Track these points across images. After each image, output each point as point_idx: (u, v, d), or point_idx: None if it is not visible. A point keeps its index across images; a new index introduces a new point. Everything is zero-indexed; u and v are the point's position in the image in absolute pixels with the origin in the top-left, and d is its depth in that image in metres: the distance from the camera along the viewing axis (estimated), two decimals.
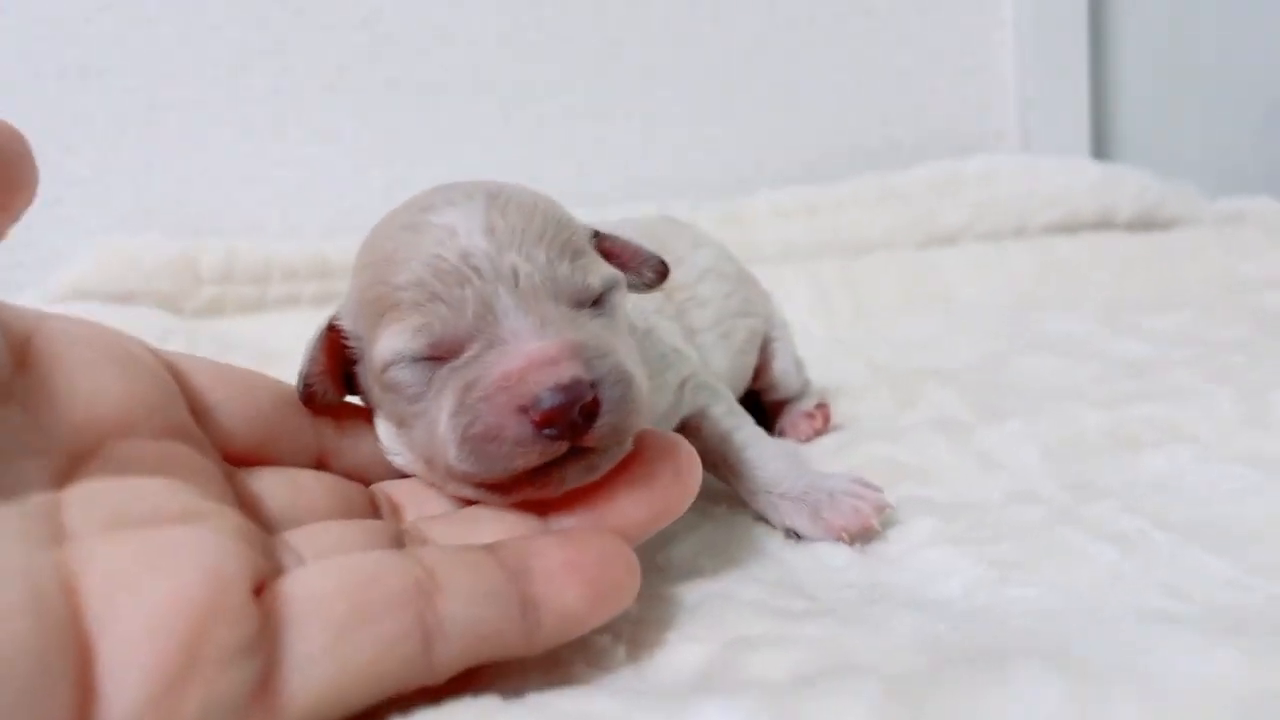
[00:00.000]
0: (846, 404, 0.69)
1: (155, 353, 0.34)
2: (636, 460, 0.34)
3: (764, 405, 0.66)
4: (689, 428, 0.49)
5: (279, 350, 1.07)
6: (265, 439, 0.35)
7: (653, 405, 0.46)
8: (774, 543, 0.45)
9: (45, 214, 1.23)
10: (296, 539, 0.31)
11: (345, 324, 0.38)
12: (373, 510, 0.37)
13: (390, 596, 0.26)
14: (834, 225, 1.12)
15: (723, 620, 0.35)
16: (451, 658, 0.27)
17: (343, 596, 0.25)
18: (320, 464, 0.37)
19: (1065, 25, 1.20)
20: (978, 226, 1.10)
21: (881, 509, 0.43)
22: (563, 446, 0.31)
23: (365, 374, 0.38)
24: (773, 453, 0.47)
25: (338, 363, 0.38)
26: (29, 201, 0.29)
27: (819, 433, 0.61)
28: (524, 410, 0.30)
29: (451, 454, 0.32)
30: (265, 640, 0.24)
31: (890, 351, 0.87)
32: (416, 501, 0.37)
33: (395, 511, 0.37)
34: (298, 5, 1.24)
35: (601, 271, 0.36)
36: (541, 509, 0.34)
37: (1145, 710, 0.21)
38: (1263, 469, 0.46)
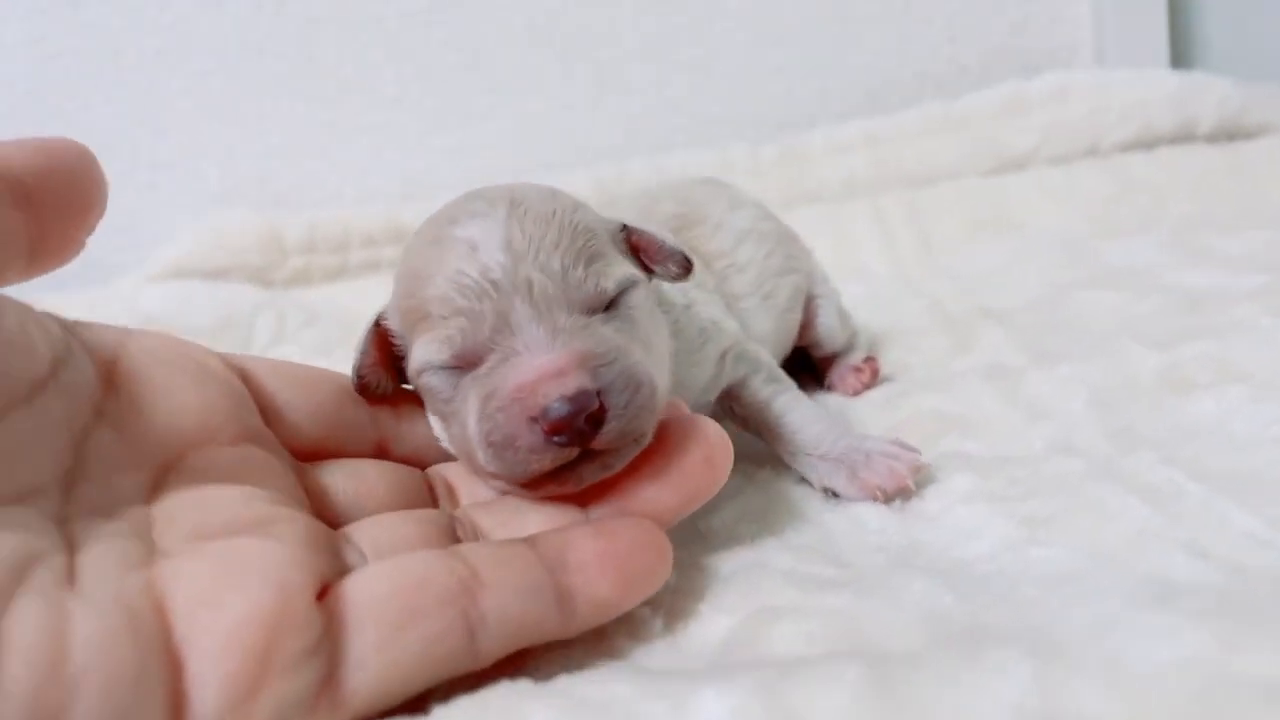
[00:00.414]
0: (899, 351, 0.70)
1: (226, 360, 0.37)
2: (668, 448, 0.36)
3: (813, 360, 0.67)
4: (730, 395, 0.51)
5: (364, 315, 1.13)
6: (329, 432, 0.39)
7: (692, 379, 0.49)
8: (813, 505, 0.47)
9: (141, 198, 1.31)
10: (359, 533, 0.34)
11: (390, 323, 0.41)
12: (429, 495, 0.40)
13: (438, 596, 0.29)
14: (897, 157, 1.11)
15: (755, 590, 0.37)
16: (494, 646, 0.30)
17: (395, 598, 0.29)
18: (380, 451, 0.41)
19: None
20: (1047, 149, 1.07)
21: (918, 469, 0.45)
22: (573, 452, 0.34)
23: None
24: (812, 416, 0.49)
25: (388, 355, 0.41)
26: (101, 214, 0.32)
27: (867, 386, 0.62)
28: (535, 420, 0.33)
29: (480, 456, 0.36)
30: (328, 642, 0.27)
31: (953, 287, 0.86)
32: (469, 484, 0.41)
33: (450, 493, 0.41)
34: None
35: (617, 274, 0.38)
36: (581, 499, 0.37)
37: (1108, 696, 0.23)
38: None
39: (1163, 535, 0.37)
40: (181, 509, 0.30)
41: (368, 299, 1.20)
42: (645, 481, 0.36)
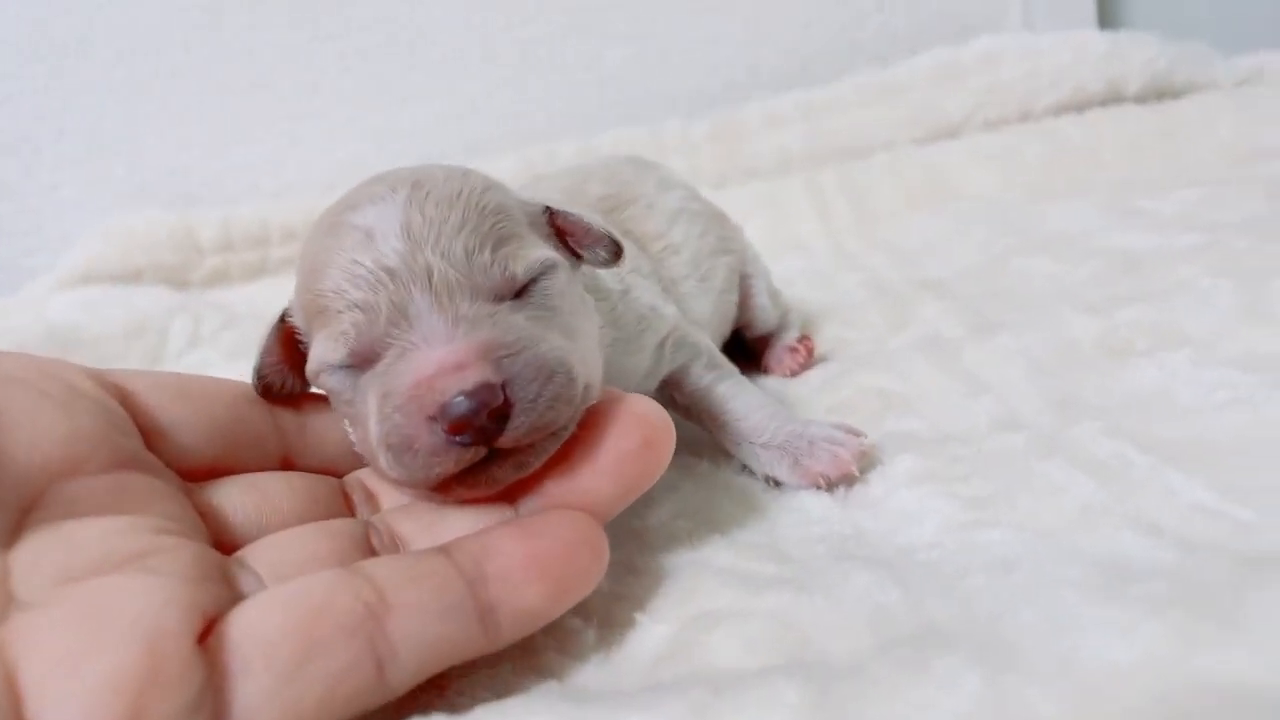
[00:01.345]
0: (836, 328, 0.68)
1: (99, 379, 0.34)
2: (603, 432, 0.33)
3: (746, 342, 0.65)
4: (671, 383, 0.49)
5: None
6: (225, 449, 0.36)
7: (632, 368, 0.46)
8: (755, 496, 0.45)
9: (47, 199, 1.24)
10: (255, 556, 0.31)
11: (295, 319, 0.38)
12: (344, 504, 0.37)
13: (338, 627, 0.26)
14: (831, 129, 1.09)
15: (693, 592, 0.35)
16: (407, 676, 0.27)
17: (288, 636, 0.26)
18: (286, 465, 0.38)
19: None
20: (980, 116, 1.06)
21: (862, 454, 0.43)
22: (479, 452, 0.31)
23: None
24: (755, 403, 0.47)
25: (295, 354, 0.38)
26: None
27: (804, 367, 0.61)
28: (433, 419, 0.30)
29: (381, 460, 0.33)
30: (210, 695, 0.24)
31: (891, 259, 0.85)
32: (390, 488, 0.38)
33: (370, 499, 0.38)
34: None
35: (529, 257, 0.35)
36: (509, 493, 0.34)
37: (1062, 705, 0.21)
38: (1254, 372, 0.45)
39: (1110, 511, 0.36)
40: (45, 550, 0.27)
41: (288, 296, 1.16)
42: (580, 470, 0.33)
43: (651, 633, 0.33)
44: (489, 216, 0.35)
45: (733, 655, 0.30)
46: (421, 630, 0.27)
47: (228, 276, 1.13)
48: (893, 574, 0.33)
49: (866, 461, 0.44)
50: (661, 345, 0.47)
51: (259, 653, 0.25)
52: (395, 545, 0.33)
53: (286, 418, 0.38)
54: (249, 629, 0.26)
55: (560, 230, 0.39)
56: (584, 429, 0.34)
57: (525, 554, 0.29)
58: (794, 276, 0.83)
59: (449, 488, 0.33)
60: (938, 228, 0.90)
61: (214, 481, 0.35)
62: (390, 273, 0.32)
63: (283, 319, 0.38)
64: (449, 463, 0.31)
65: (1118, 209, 0.80)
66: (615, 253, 0.39)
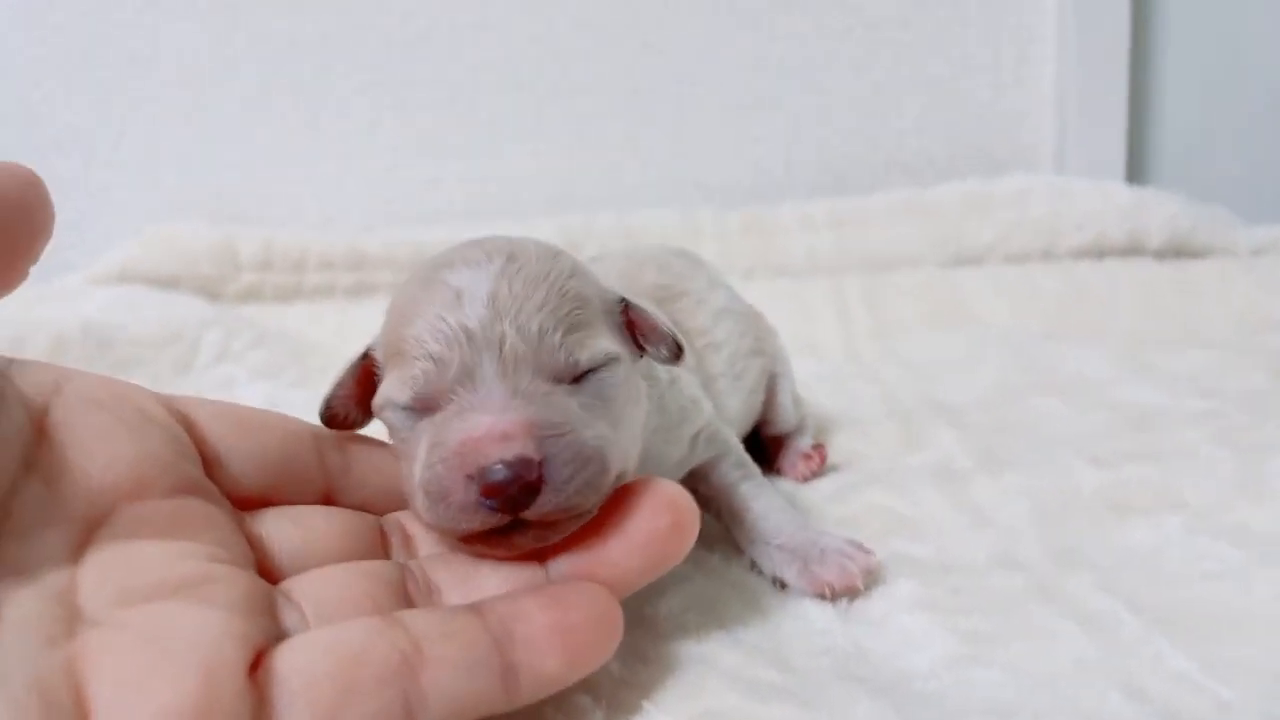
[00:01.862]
0: (849, 438, 0.70)
1: (167, 404, 0.36)
2: (635, 510, 0.36)
3: (761, 439, 0.67)
4: (697, 475, 0.51)
5: (315, 340, 1.11)
6: (275, 481, 0.38)
7: (666, 456, 0.49)
8: (761, 597, 0.47)
9: (95, 198, 1.28)
10: (300, 590, 0.33)
11: (377, 355, 0.41)
12: (381, 543, 0.39)
13: (376, 674, 0.28)
14: (860, 238, 1.13)
15: (699, 690, 0.37)
16: None
17: (331, 678, 0.28)
18: (327, 501, 0.39)
19: (1107, 43, 1.18)
20: (1005, 247, 1.10)
21: (869, 572, 0.45)
22: (504, 518, 0.33)
23: None
24: (776, 505, 0.50)
25: (367, 391, 0.41)
26: (47, 242, 0.30)
27: (815, 474, 0.63)
28: (471, 479, 0.33)
29: (418, 501, 0.36)
30: None
31: (906, 375, 0.88)
32: (426, 534, 0.40)
33: (407, 543, 0.40)
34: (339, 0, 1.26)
35: (595, 347, 0.37)
36: (541, 554, 0.36)
37: None
38: (1245, 547, 0.47)
39: (1101, 668, 0.38)
40: (109, 568, 0.29)
41: (320, 324, 1.19)
42: (610, 543, 0.35)
43: None
44: (568, 302, 0.37)
45: None
46: (451, 684, 0.29)
47: (260, 295, 1.16)
48: (893, 704, 0.35)
49: (871, 579, 0.46)
50: (695, 438, 0.50)
51: (303, 691, 0.27)
52: (429, 592, 0.35)
53: (332, 457, 0.40)
54: (295, 668, 0.28)
55: (631, 323, 0.42)
56: (618, 505, 0.36)
57: (549, 622, 0.32)
58: (809, 378, 0.85)
59: (472, 541, 0.35)
60: (953, 349, 0.93)
61: (261, 511, 0.37)
62: (469, 335, 0.35)
63: (365, 355, 0.41)
64: (475, 521, 0.34)
65: (1130, 360, 0.83)
66: (676, 353, 0.42)
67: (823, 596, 0.45)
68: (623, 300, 0.41)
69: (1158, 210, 1.09)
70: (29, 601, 0.26)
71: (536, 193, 1.27)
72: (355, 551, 0.37)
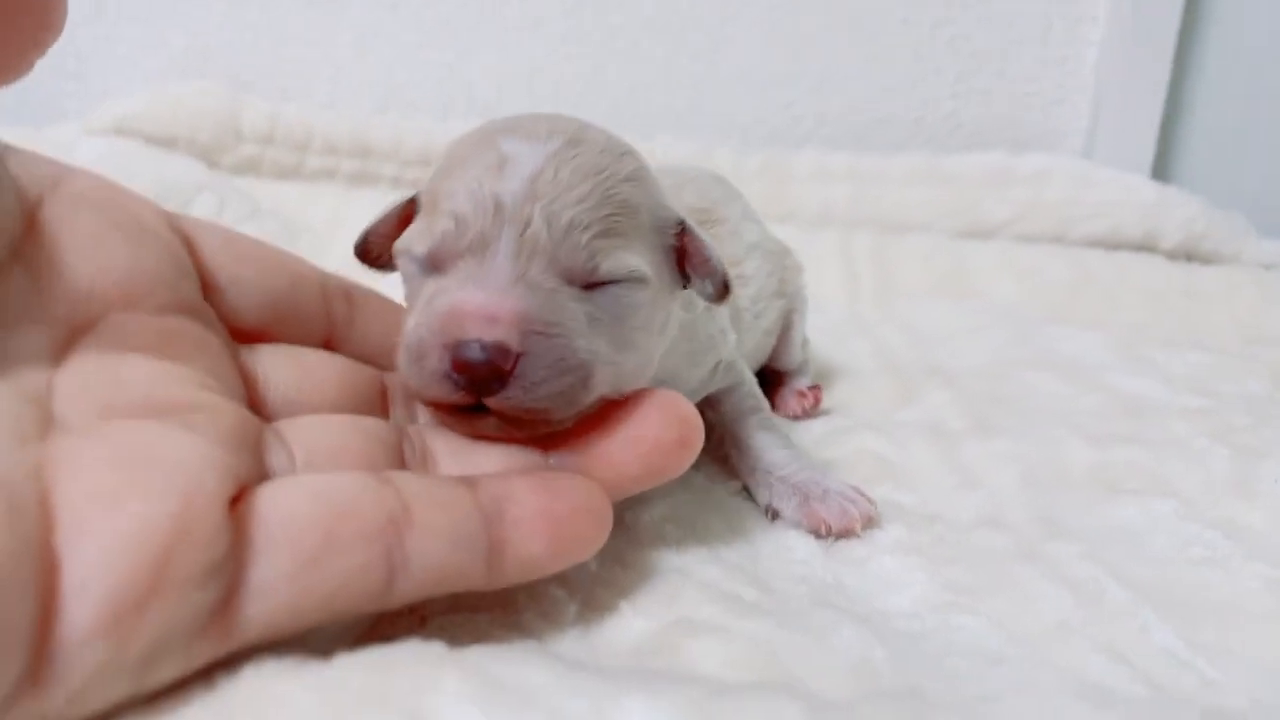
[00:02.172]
0: (845, 389, 0.69)
1: (172, 220, 0.34)
2: (645, 418, 0.35)
3: (763, 373, 0.66)
4: (709, 400, 0.50)
5: (308, 223, 1.08)
6: (275, 319, 0.36)
7: (689, 379, 0.47)
8: (744, 520, 0.46)
9: (100, 48, 1.23)
10: (293, 432, 0.31)
11: (420, 200, 0.39)
12: (381, 401, 0.38)
13: (362, 529, 0.27)
14: (875, 198, 1.11)
15: (675, 598, 0.36)
16: (411, 591, 0.28)
17: (315, 525, 0.26)
18: (327, 348, 0.38)
19: (1155, 35, 1.16)
20: (1019, 226, 1.08)
21: (869, 519, 0.45)
22: (468, 399, 0.32)
23: None
24: (781, 441, 0.49)
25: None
26: (57, 37, 0.28)
27: (807, 413, 0.62)
28: (447, 349, 0.32)
29: (399, 356, 0.34)
30: (231, 562, 0.25)
31: (905, 338, 0.87)
32: None
33: (410, 403, 0.38)
34: None
35: (620, 260, 0.35)
36: (545, 442, 0.35)
37: None
38: (1235, 540, 0.47)
39: (1083, 632, 0.37)
40: (90, 378, 0.27)
41: (316, 206, 1.16)
42: (615, 442, 0.34)
43: (633, 624, 0.34)
44: (612, 205, 0.35)
45: (714, 667, 0.31)
46: (436, 552, 0.28)
47: (259, 169, 1.13)
48: (876, 634, 0.34)
49: (869, 525, 0.45)
50: (716, 366, 0.49)
51: (285, 535, 0.26)
52: (425, 459, 0.34)
53: (338, 305, 0.38)
54: (278, 510, 0.26)
55: (682, 249, 0.40)
56: (629, 409, 0.35)
57: (540, 506, 0.30)
58: (809, 328, 0.84)
59: (439, 412, 0.34)
60: (955, 320, 0.92)
61: (259, 345, 0.35)
62: (497, 206, 0.34)
63: (411, 200, 0.40)
64: (441, 392, 0.33)
65: (1129, 352, 0.82)
66: (722, 293, 0.40)
67: (817, 534, 0.44)
68: (681, 223, 0.39)
69: (1177, 210, 1.08)
70: (4, 400, 0.25)
71: (558, 97, 1.24)
72: (353, 404, 0.35)
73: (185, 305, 0.31)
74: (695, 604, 0.35)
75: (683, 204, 0.55)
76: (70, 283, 0.28)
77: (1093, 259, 1.06)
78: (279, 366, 0.34)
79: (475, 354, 0.31)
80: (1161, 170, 1.22)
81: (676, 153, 1.10)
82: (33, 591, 0.21)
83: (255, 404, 0.32)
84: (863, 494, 0.46)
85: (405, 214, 0.39)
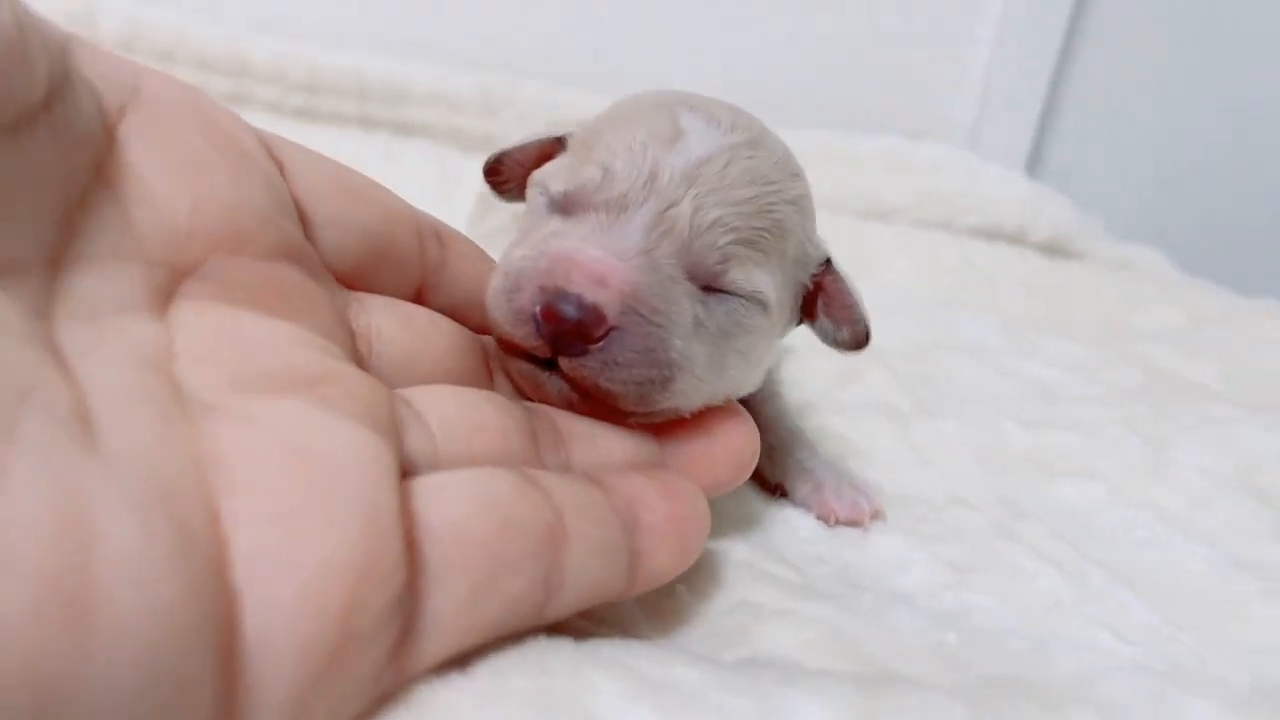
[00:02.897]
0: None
1: (268, 144, 0.29)
2: (736, 429, 0.34)
3: None
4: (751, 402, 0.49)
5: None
6: (371, 261, 0.31)
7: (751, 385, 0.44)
8: (747, 498, 0.46)
9: None
10: (425, 404, 0.27)
11: (571, 141, 0.37)
12: (486, 366, 0.34)
13: (526, 547, 0.24)
14: None
15: (722, 579, 0.36)
16: (560, 610, 0.25)
17: (486, 544, 0.23)
18: (419, 296, 0.33)
19: (1041, 35, 1.24)
20: (914, 213, 1.13)
21: (876, 514, 0.46)
22: (543, 350, 0.31)
23: None
24: (809, 439, 0.49)
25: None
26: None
27: None
28: (542, 290, 0.30)
29: (494, 280, 0.32)
30: (410, 595, 0.21)
31: None
32: None
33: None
34: None
35: (750, 276, 0.33)
36: (662, 429, 0.33)
37: None
38: (1165, 522, 0.51)
39: (1079, 610, 0.40)
40: (209, 338, 0.23)
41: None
42: (717, 448, 0.33)
43: (695, 607, 0.33)
44: (764, 220, 0.33)
45: (792, 650, 0.30)
46: (587, 567, 0.26)
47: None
48: (919, 614, 0.35)
49: (876, 519, 0.46)
50: (767, 371, 0.48)
51: (458, 556, 0.22)
52: (557, 441, 0.31)
53: (431, 246, 0.33)
54: (447, 522, 0.23)
55: (819, 286, 0.38)
56: (724, 417, 0.34)
57: (669, 513, 0.29)
58: None
59: (508, 353, 0.33)
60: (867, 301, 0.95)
61: (361, 296, 0.30)
62: (653, 175, 0.32)
63: (559, 139, 0.37)
64: (520, 332, 0.31)
65: (1020, 339, 0.88)
66: (860, 343, 0.39)
67: (826, 522, 0.45)
68: (826, 261, 0.38)
69: (1046, 208, 1.16)
70: (117, 364, 0.20)
71: (528, 59, 1.18)
72: (462, 369, 0.31)
73: (291, 249, 0.27)
74: (746, 586, 0.35)
75: None
76: (166, 216, 0.24)
77: (976, 249, 1.13)
78: (390, 325, 0.30)
79: (569, 308, 0.29)
80: (1036, 160, 1.32)
81: (588, 106, 1.08)
82: (213, 646, 0.17)
83: (366, 366, 0.28)
84: (871, 488, 0.47)
85: (548, 150, 0.38)
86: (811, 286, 0.39)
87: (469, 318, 0.34)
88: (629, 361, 0.30)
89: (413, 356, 0.30)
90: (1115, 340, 0.96)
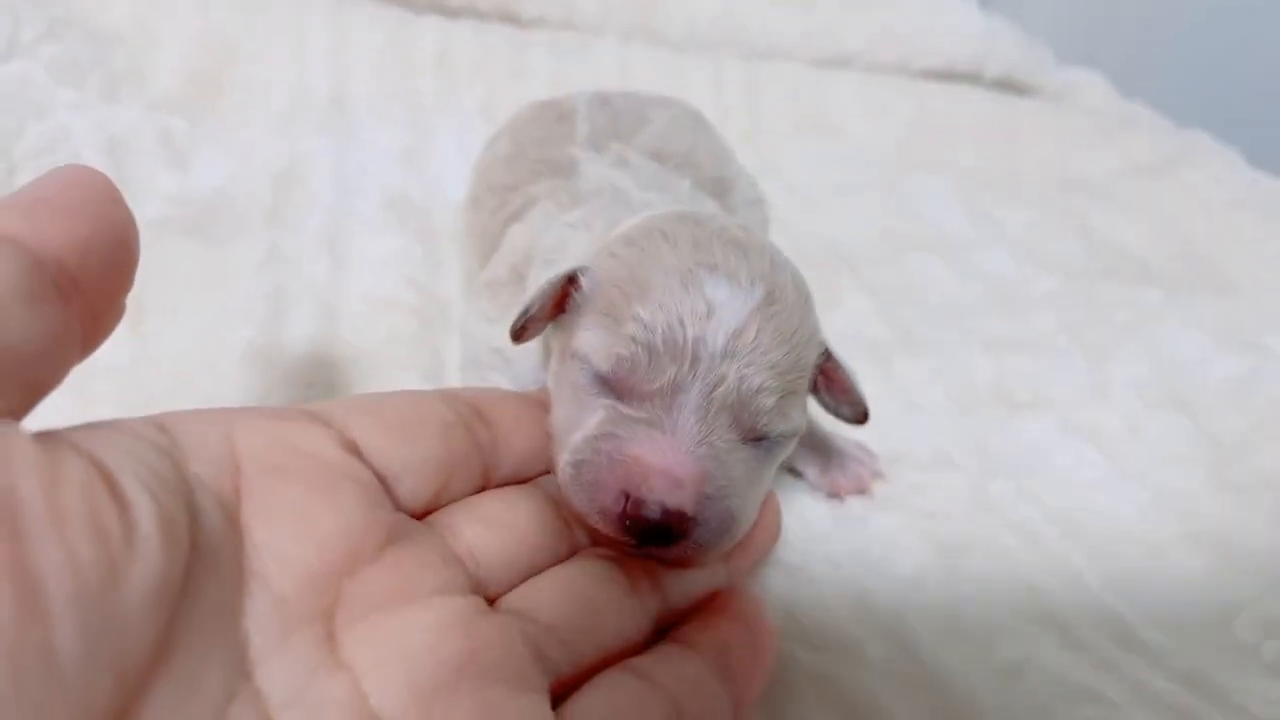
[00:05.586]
0: None
1: (337, 436, 0.30)
2: (767, 518, 0.39)
3: None
4: None
5: (111, 30, 0.91)
6: (444, 482, 0.33)
7: None
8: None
9: None
10: (543, 614, 0.31)
11: (584, 283, 0.38)
12: (560, 517, 0.36)
13: None
14: (742, 19, 1.10)
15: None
16: None
17: None
18: (485, 481, 0.35)
19: None
20: (868, 57, 1.13)
21: (877, 475, 0.53)
22: (632, 543, 0.34)
23: (562, 332, 0.39)
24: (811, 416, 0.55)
25: (556, 308, 0.39)
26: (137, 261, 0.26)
27: None
28: (625, 495, 0.33)
29: (563, 468, 0.35)
30: None
31: (793, 201, 0.91)
32: None
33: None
34: None
35: (790, 421, 0.36)
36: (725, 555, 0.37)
37: None
38: (1103, 452, 0.60)
39: (1042, 589, 0.49)
40: (376, 658, 0.26)
41: (108, 11, 0.97)
42: (756, 531, 0.38)
43: None
44: (795, 369, 0.36)
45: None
46: None
47: None
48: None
49: (877, 479, 0.53)
50: None
51: None
52: (652, 588, 0.35)
53: (480, 431, 0.35)
54: None
55: (820, 371, 0.41)
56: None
57: (751, 648, 0.34)
58: None
59: (591, 532, 0.36)
60: (827, 171, 0.98)
61: (444, 518, 0.33)
62: (696, 356, 0.34)
63: (571, 279, 0.38)
64: (607, 527, 0.34)
65: (972, 207, 0.94)
66: (859, 420, 0.43)
67: (836, 498, 0.52)
68: (826, 352, 0.40)
69: (999, 43, 1.17)
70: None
71: None
72: (546, 540, 0.34)
73: (393, 532, 0.29)
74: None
75: (705, 176, 0.56)
76: (301, 575, 0.26)
77: (930, 94, 1.14)
78: (481, 536, 0.32)
79: (655, 515, 0.32)
80: None
81: None
82: None
83: (475, 583, 0.31)
84: (868, 451, 0.53)
85: (562, 293, 0.39)
86: (818, 374, 0.42)
87: (529, 474, 0.37)
88: (710, 539, 0.34)
89: (508, 554, 0.32)
90: (1060, 193, 1.02)
